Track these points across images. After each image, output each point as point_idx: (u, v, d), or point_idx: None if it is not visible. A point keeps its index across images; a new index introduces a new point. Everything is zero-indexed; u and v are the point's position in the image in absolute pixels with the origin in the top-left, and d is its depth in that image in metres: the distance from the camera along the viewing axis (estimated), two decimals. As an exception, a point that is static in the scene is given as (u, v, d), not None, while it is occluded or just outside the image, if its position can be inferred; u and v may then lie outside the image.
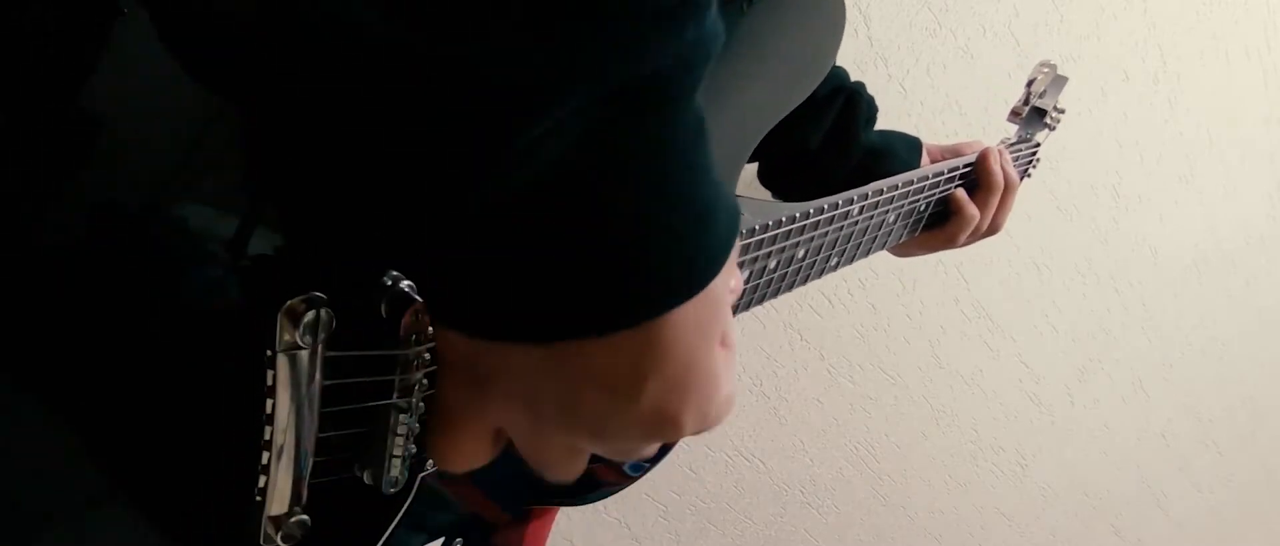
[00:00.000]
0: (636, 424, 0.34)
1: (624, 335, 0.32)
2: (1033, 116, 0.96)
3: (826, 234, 0.67)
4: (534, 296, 0.31)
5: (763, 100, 0.59)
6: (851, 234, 0.71)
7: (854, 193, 0.67)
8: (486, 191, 0.28)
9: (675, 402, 0.34)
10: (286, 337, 0.35)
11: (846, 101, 0.80)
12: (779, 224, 0.61)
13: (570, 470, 0.39)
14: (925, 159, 0.89)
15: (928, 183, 0.78)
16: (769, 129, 0.61)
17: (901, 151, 0.86)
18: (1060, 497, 2.19)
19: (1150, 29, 1.52)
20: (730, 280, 0.36)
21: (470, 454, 0.39)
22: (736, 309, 0.64)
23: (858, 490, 1.85)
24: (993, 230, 0.90)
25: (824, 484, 1.80)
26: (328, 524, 0.41)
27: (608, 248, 0.30)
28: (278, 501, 0.39)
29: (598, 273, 0.30)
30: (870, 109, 0.83)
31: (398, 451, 0.42)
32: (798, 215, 0.62)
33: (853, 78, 0.86)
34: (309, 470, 0.39)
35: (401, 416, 0.41)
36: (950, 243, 0.87)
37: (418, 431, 0.42)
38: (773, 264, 0.63)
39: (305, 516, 0.40)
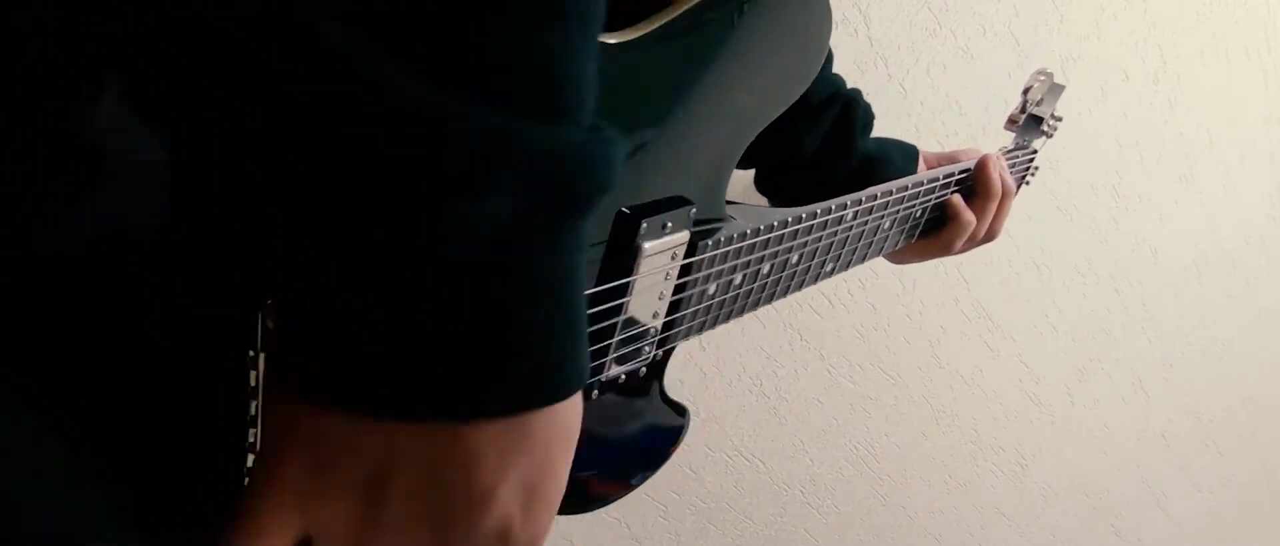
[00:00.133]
0: (483, 521, 0.34)
1: (503, 422, 0.33)
2: (1030, 124, 0.96)
3: (821, 239, 0.67)
4: (432, 371, 0.31)
5: (753, 103, 0.59)
6: (846, 239, 0.71)
7: (848, 198, 0.67)
8: (418, 246, 0.29)
9: (525, 504, 0.35)
10: (269, 338, 0.35)
11: (843, 108, 0.80)
12: (772, 228, 0.61)
13: None
14: (922, 166, 0.89)
15: (923, 188, 0.78)
16: (757, 134, 0.61)
17: (897, 158, 0.86)
18: (1060, 497, 2.19)
19: (1150, 29, 1.51)
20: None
21: None
22: (731, 315, 0.65)
23: (858, 490, 1.85)
24: (989, 238, 0.90)
25: (824, 484, 1.80)
26: None
27: (510, 334, 0.31)
28: None
29: (496, 356, 0.31)
30: (866, 115, 0.83)
31: None
32: (791, 220, 0.62)
33: (853, 78, 0.86)
34: None
35: None
36: (947, 250, 0.86)
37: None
38: (766, 268, 0.64)
39: None
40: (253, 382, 0.36)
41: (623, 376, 0.59)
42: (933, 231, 0.85)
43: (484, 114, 0.27)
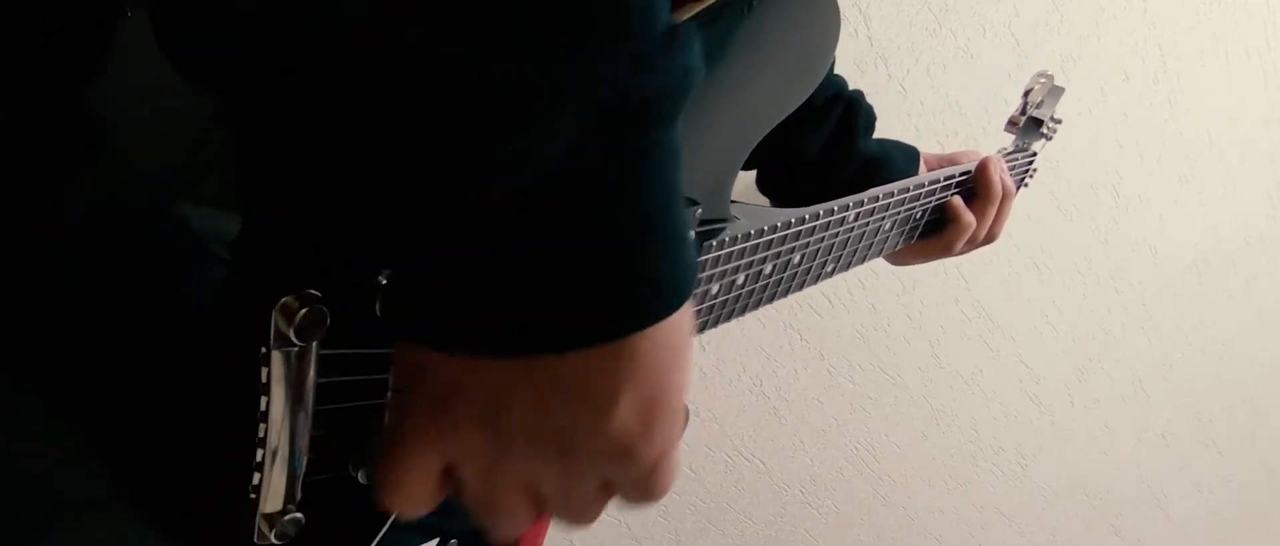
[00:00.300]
0: (604, 442, 0.34)
1: (602, 349, 0.33)
2: (1030, 126, 0.96)
3: (822, 240, 0.67)
4: (517, 308, 0.31)
5: (760, 104, 0.59)
6: (847, 240, 0.71)
7: (850, 199, 0.67)
8: (474, 196, 0.29)
9: (643, 420, 0.35)
10: (281, 335, 0.35)
11: (845, 110, 0.80)
12: (775, 229, 0.61)
13: (518, 518, 0.38)
14: (922, 168, 0.89)
15: (924, 190, 0.78)
16: (766, 132, 0.61)
17: (899, 160, 0.86)
18: (1060, 497, 2.19)
19: (1150, 29, 1.52)
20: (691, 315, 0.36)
21: (419, 494, 0.37)
22: (732, 314, 0.65)
23: (858, 490, 1.85)
24: (989, 239, 0.90)
25: (824, 484, 1.80)
26: (322, 522, 0.42)
27: (592, 263, 0.31)
28: (272, 499, 0.39)
29: (582, 286, 0.31)
30: (869, 117, 0.83)
31: None
32: (793, 220, 0.62)
33: (853, 78, 0.86)
34: (303, 468, 0.39)
35: None
36: (947, 251, 0.87)
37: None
38: (768, 269, 0.64)
39: (299, 514, 0.40)
40: (264, 378, 0.36)
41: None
42: (933, 233, 0.86)
43: (515, 58, 0.27)
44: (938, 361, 1.74)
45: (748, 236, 0.59)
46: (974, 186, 0.86)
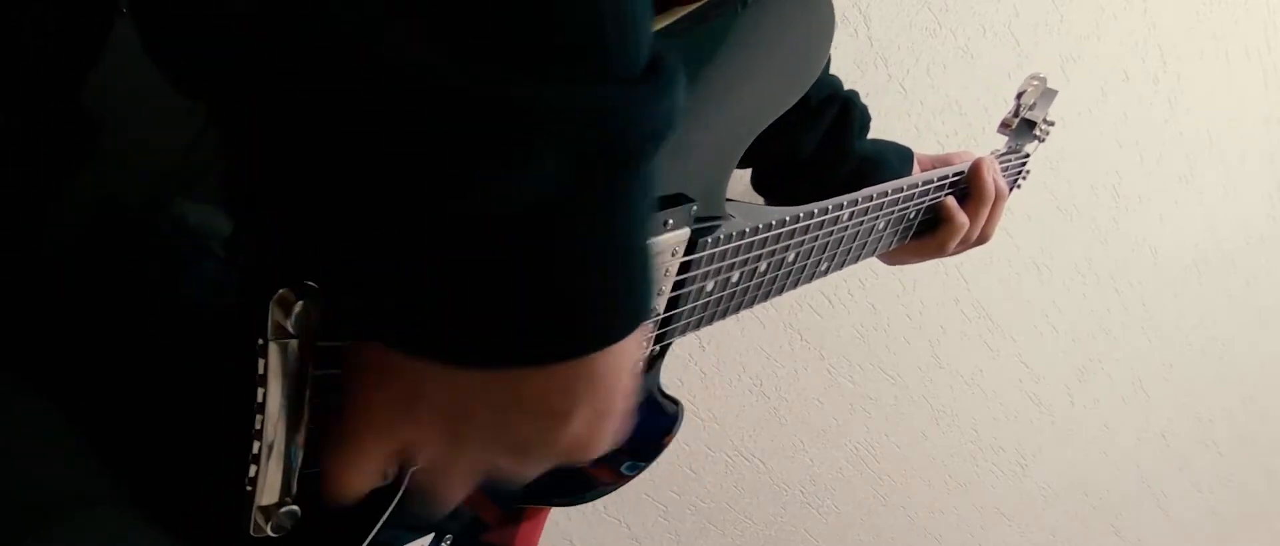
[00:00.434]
0: (557, 447, 0.37)
1: (565, 366, 0.34)
2: (1022, 128, 0.97)
3: (817, 238, 0.67)
4: (489, 322, 0.32)
5: (755, 102, 0.60)
6: (841, 239, 0.72)
7: (844, 198, 0.68)
8: (464, 216, 0.29)
9: (593, 429, 0.37)
10: (278, 327, 0.35)
11: (841, 110, 0.81)
12: (769, 227, 0.61)
13: (462, 493, 0.40)
14: (916, 168, 0.89)
15: (918, 190, 0.78)
16: (760, 131, 0.61)
17: (893, 160, 0.86)
18: (1060, 497, 2.19)
19: (1150, 29, 1.52)
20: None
21: (365, 474, 0.38)
22: (727, 312, 0.65)
23: (858, 490, 1.85)
24: (982, 240, 0.91)
25: (824, 484, 1.80)
26: (318, 516, 0.42)
27: (568, 285, 0.32)
28: (268, 492, 0.39)
29: (555, 306, 0.32)
30: (863, 118, 0.83)
31: None
32: (788, 219, 0.62)
33: (853, 78, 0.87)
34: (300, 461, 0.39)
35: None
36: (940, 251, 0.87)
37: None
38: (763, 267, 0.64)
39: (295, 507, 0.40)
40: (261, 371, 0.36)
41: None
42: (927, 233, 0.86)
43: (516, 85, 0.27)
44: (938, 361, 1.74)
45: (743, 234, 0.59)
46: (967, 187, 0.86)
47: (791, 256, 0.66)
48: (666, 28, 0.51)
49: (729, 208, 0.60)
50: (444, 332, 0.32)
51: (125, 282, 0.33)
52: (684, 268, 0.56)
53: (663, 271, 0.54)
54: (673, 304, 0.58)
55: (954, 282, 1.64)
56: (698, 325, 0.63)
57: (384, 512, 0.46)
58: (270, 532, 0.40)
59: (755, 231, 0.60)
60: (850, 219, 0.70)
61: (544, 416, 0.35)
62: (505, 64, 0.27)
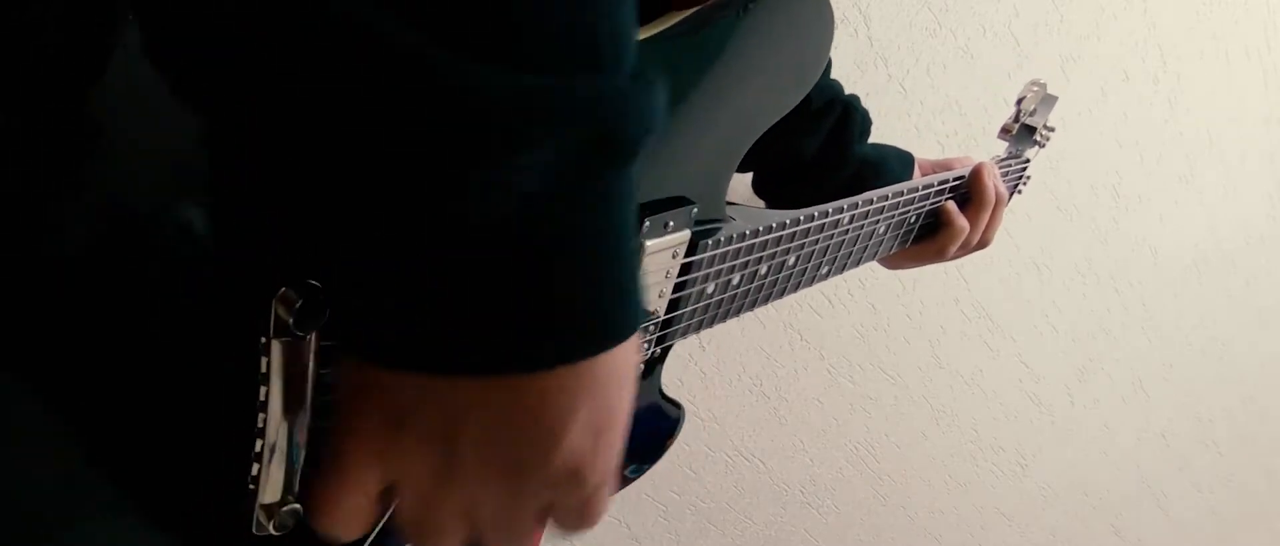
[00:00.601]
0: (556, 463, 0.35)
1: (562, 371, 0.33)
2: (1023, 134, 0.97)
3: (817, 241, 0.67)
4: (484, 328, 0.31)
5: (755, 105, 0.60)
6: (842, 242, 0.72)
7: (845, 202, 0.68)
8: (458, 214, 0.29)
9: (593, 442, 0.36)
10: (281, 324, 0.35)
11: (841, 113, 0.81)
12: (770, 230, 0.61)
13: (450, 543, 0.37)
14: (917, 173, 0.90)
15: (918, 194, 0.78)
16: (761, 134, 0.61)
17: (894, 164, 0.86)
18: (1060, 497, 2.19)
19: (1150, 29, 1.52)
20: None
21: (353, 514, 0.36)
22: (728, 314, 0.65)
23: (858, 490, 1.86)
24: (982, 245, 0.91)
25: (824, 484, 1.80)
26: None
27: (564, 286, 0.32)
28: (270, 489, 0.39)
29: (548, 310, 0.32)
30: (864, 122, 0.84)
31: None
32: (789, 222, 0.62)
33: (853, 78, 0.87)
34: (302, 460, 0.39)
35: None
36: (940, 255, 0.87)
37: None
38: (763, 269, 0.64)
39: (298, 505, 0.40)
40: (264, 369, 0.36)
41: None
42: (926, 237, 0.86)
43: (513, 78, 0.27)
44: (938, 361, 1.74)
45: (743, 237, 0.59)
46: (968, 192, 0.86)
47: (792, 259, 0.66)
48: (667, 31, 0.51)
49: (730, 210, 0.60)
50: (436, 337, 0.32)
51: (128, 281, 0.34)
52: (685, 269, 0.56)
53: (664, 273, 0.54)
54: (673, 306, 0.58)
55: (954, 283, 1.64)
56: (698, 327, 0.63)
57: (386, 513, 0.46)
58: (273, 530, 0.40)
59: (756, 234, 0.60)
60: (851, 222, 0.70)
61: (540, 427, 0.34)
62: (502, 56, 0.27)
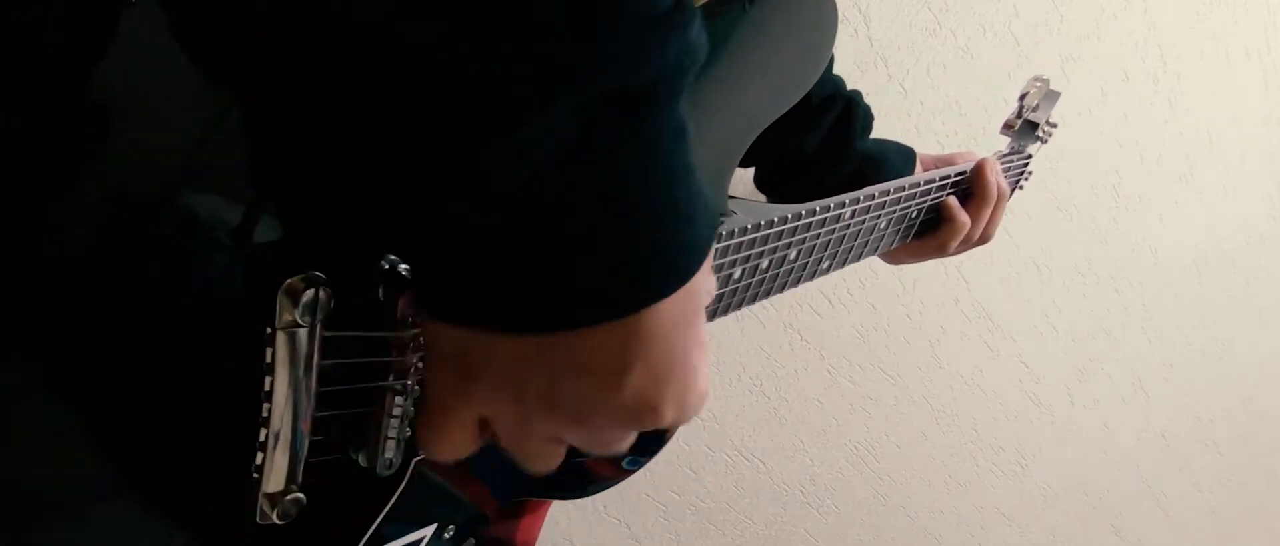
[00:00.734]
0: (618, 411, 0.35)
1: (609, 326, 0.33)
2: (1025, 130, 0.97)
3: (818, 236, 0.68)
4: (524, 290, 0.32)
5: (758, 100, 0.60)
6: (843, 237, 0.72)
7: (846, 197, 0.68)
8: (479, 186, 0.29)
9: (655, 391, 0.35)
10: (286, 316, 0.36)
11: (843, 109, 0.81)
12: (772, 224, 0.61)
13: (549, 461, 0.40)
14: (918, 168, 0.90)
15: (920, 189, 0.79)
16: (763, 129, 0.61)
17: (895, 160, 0.87)
18: (1060, 497, 2.19)
19: (1150, 29, 1.52)
20: (708, 282, 0.37)
21: (456, 443, 0.39)
22: (729, 308, 0.65)
23: (858, 490, 1.86)
24: (983, 240, 0.91)
25: (824, 484, 1.80)
26: (323, 504, 0.42)
27: (597, 244, 0.31)
28: (274, 479, 0.40)
29: (588, 267, 0.31)
30: (866, 117, 0.84)
31: (392, 434, 0.43)
32: (790, 216, 0.63)
33: (853, 78, 0.87)
34: (306, 449, 0.40)
35: (396, 398, 0.42)
36: (941, 251, 0.87)
37: (412, 414, 0.42)
38: (764, 264, 0.64)
39: (301, 495, 0.40)
40: (268, 359, 0.37)
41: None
42: (928, 232, 0.86)
43: (526, 49, 0.27)
44: (938, 361, 1.74)
45: (744, 231, 0.59)
46: (970, 187, 0.86)
47: (793, 254, 0.66)
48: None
49: (732, 205, 0.60)
50: (483, 296, 0.32)
51: (133, 274, 0.34)
52: (686, 264, 0.56)
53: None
54: (675, 301, 0.58)
55: (954, 282, 1.64)
56: (700, 322, 0.63)
57: (388, 501, 0.46)
58: (276, 519, 0.40)
59: (758, 228, 0.60)
60: (852, 217, 0.70)
61: (595, 380, 0.34)
62: (515, 15, 0.27)
